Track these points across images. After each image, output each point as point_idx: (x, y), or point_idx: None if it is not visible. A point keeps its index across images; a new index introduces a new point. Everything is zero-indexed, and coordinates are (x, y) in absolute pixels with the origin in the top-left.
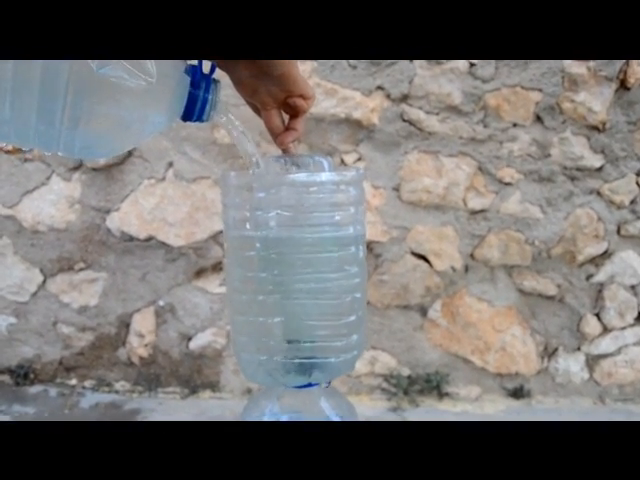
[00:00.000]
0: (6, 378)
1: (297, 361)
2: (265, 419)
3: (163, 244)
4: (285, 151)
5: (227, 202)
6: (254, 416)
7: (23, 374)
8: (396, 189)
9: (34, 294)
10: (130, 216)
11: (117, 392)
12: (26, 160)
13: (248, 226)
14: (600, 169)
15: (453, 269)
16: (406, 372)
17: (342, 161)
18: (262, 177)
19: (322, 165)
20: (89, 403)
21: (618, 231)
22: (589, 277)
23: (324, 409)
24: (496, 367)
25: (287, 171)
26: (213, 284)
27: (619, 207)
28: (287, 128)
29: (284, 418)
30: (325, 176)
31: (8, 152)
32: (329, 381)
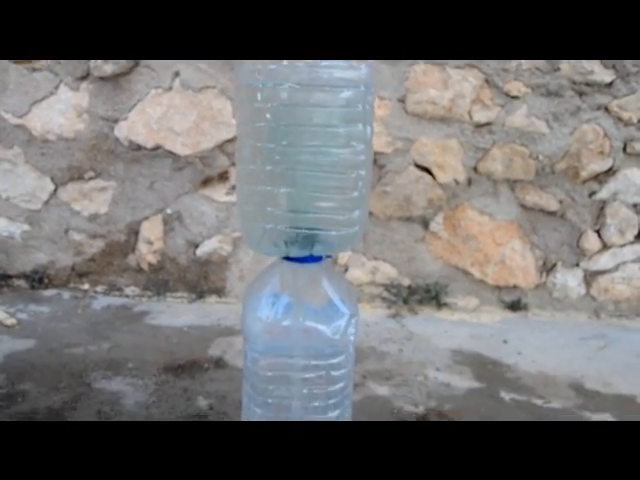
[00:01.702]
0: (22, 283)
1: (300, 231)
2: (264, 299)
3: (170, 153)
4: None
5: (240, 74)
6: (256, 295)
7: (38, 279)
8: (401, 100)
9: (46, 202)
10: (137, 125)
11: (127, 296)
12: (34, 70)
13: (260, 97)
14: (610, 85)
15: (456, 182)
16: (406, 282)
17: None
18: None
19: None
20: (101, 305)
21: (624, 148)
22: (592, 194)
23: (324, 288)
24: (495, 279)
25: None
26: (219, 193)
27: (627, 124)
28: None
29: (285, 297)
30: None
31: (17, 62)
32: (330, 256)
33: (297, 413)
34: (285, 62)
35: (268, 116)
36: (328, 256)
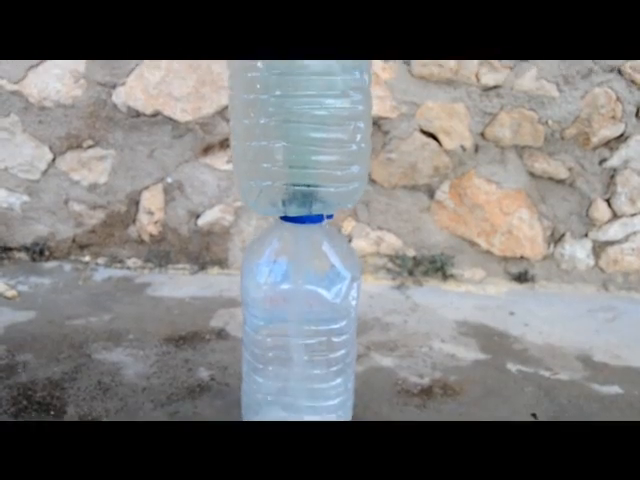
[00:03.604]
0: (22, 255)
1: (298, 189)
2: (263, 263)
3: (170, 119)
4: None
5: None
6: (254, 259)
7: (38, 251)
8: (407, 62)
9: (45, 172)
10: (136, 91)
11: (129, 268)
12: None
13: None
14: None
15: (463, 148)
16: (411, 253)
17: None
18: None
19: None
20: (102, 277)
21: (637, 113)
22: (602, 161)
23: (325, 251)
24: (501, 250)
25: None
26: (220, 160)
27: None
28: None
29: (283, 261)
30: None
31: None
32: (330, 215)
33: (298, 381)
34: None
35: (260, 65)
36: (329, 217)
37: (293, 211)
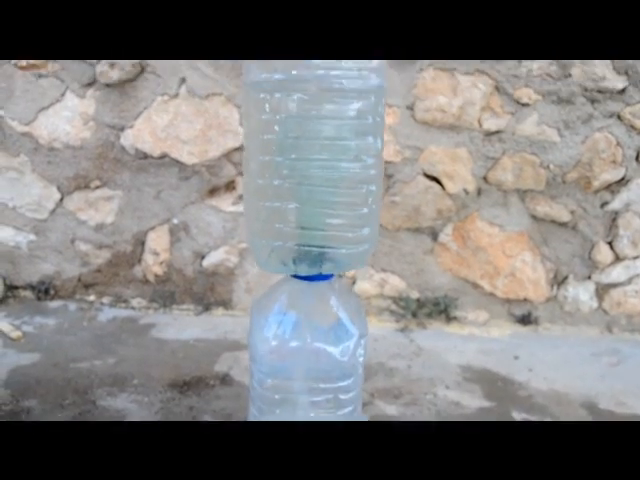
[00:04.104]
0: (28, 293)
1: (309, 249)
2: (273, 317)
3: (177, 162)
4: None
5: (248, 84)
6: (263, 313)
7: (44, 290)
8: (410, 108)
9: (52, 211)
10: (144, 133)
11: (133, 308)
12: (40, 76)
13: (268, 109)
14: (622, 91)
15: (466, 192)
16: (415, 295)
17: None
18: (284, 59)
19: None
20: (106, 317)
21: (637, 157)
22: (604, 204)
23: (333, 307)
24: (505, 292)
25: None
26: (226, 202)
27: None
28: None
29: (292, 315)
30: (348, 61)
31: (23, 68)
32: (340, 274)
33: None
34: (294, 72)
35: (276, 128)
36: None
37: (304, 270)
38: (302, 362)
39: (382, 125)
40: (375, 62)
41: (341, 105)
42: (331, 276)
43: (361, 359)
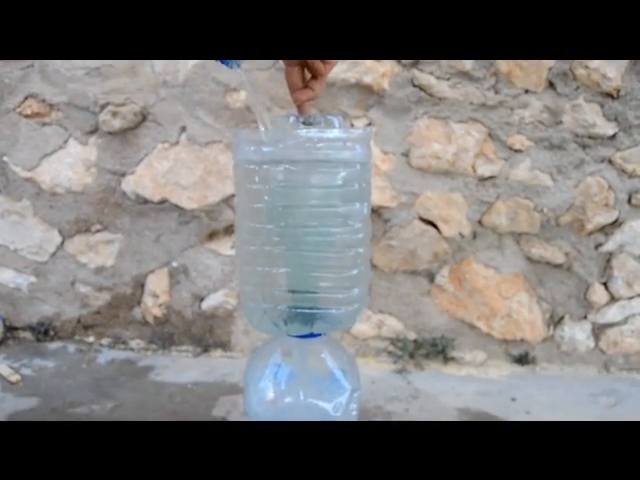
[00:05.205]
0: (27, 335)
1: (300, 311)
2: (268, 370)
3: (176, 207)
4: (299, 108)
5: (237, 156)
6: (259, 367)
7: (43, 331)
8: (405, 154)
9: (53, 254)
10: (144, 179)
11: (132, 350)
12: (44, 124)
13: (257, 179)
14: (613, 137)
15: (461, 235)
16: (412, 336)
17: (352, 126)
18: (271, 132)
19: (333, 123)
20: (105, 359)
21: (629, 200)
22: (598, 246)
23: (326, 361)
24: (502, 333)
25: (298, 128)
26: (225, 246)
27: (631, 176)
28: (305, 86)
29: (286, 369)
30: (332, 133)
31: (27, 116)
32: (329, 332)
33: None
34: (281, 145)
35: (266, 197)
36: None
37: (295, 330)
38: (296, 418)
39: (368, 191)
40: (358, 132)
41: (328, 175)
42: (322, 334)
43: (354, 413)
